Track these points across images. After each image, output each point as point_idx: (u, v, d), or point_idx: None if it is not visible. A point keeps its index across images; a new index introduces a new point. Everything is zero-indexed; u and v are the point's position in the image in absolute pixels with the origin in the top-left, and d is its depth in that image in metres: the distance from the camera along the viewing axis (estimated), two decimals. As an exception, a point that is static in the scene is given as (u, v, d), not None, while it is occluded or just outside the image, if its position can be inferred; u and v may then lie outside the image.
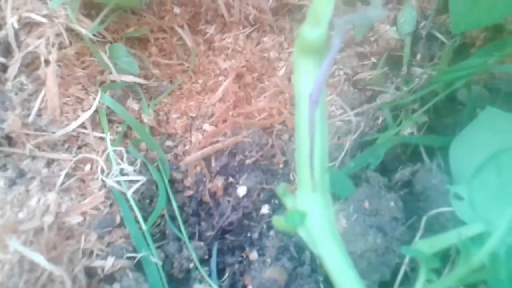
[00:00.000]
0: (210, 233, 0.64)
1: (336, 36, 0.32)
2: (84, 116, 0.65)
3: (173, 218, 0.65)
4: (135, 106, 0.71)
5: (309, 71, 0.34)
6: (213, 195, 0.66)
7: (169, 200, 0.65)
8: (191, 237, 0.64)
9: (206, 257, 0.63)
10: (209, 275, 0.62)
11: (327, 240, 0.35)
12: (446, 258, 0.55)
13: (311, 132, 0.34)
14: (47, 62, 0.65)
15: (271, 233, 0.63)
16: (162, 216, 0.64)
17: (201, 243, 0.63)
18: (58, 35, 0.67)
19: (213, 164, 0.68)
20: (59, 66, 0.66)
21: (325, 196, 0.35)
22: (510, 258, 0.37)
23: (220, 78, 0.74)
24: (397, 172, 0.64)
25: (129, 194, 0.62)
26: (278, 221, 0.38)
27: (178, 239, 0.63)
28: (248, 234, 0.64)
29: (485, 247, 0.39)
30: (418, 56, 0.75)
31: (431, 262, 0.41)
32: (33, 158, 0.63)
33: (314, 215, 0.35)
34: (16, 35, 0.67)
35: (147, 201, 0.64)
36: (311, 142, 0.34)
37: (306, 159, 0.35)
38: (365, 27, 0.71)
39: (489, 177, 0.43)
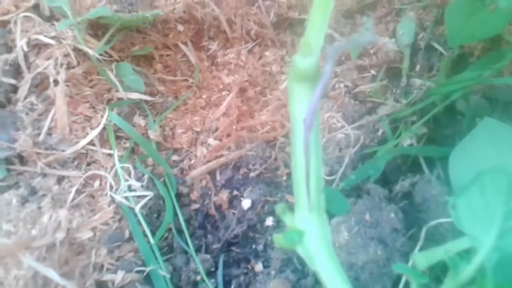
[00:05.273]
0: (216, 246, 0.66)
1: (328, 63, 0.34)
2: (93, 134, 0.68)
3: (180, 231, 0.66)
4: (142, 122, 0.73)
5: (303, 97, 0.36)
6: (218, 208, 0.68)
7: (176, 214, 0.67)
8: (198, 250, 0.66)
9: (213, 269, 0.64)
10: (216, 287, 0.63)
11: (323, 258, 0.36)
12: (446, 268, 0.56)
13: (306, 155, 0.35)
14: (56, 82, 0.68)
15: (276, 245, 0.64)
16: (170, 229, 0.66)
17: (208, 256, 0.64)
18: (66, 55, 0.70)
19: (218, 177, 0.70)
20: (67, 85, 0.68)
21: (321, 215, 0.37)
22: (496, 274, 0.38)
23: (224, 93, 0.76)
24: (398, 183, 0.65)
25: (137, 209, 0.64)
26: (278, 238, 0.40)
27: (185, 252, 0.65)
28: (253, 246, 0.66)
29: (472, 263, 0.41)
30: (417, 67, 0.76)
31: (420, 278, 0.42)
32: (44, 175, 0.65)
33: (311, 234, 0.37)
34: (26, 57, 0.69)
35: (155, 215, 0.66)
36: (307, 165, 0.36)
37: (302, 180, 0.36)
38: (360, 47, 0.72)
39: (474, 197, 0.44)
